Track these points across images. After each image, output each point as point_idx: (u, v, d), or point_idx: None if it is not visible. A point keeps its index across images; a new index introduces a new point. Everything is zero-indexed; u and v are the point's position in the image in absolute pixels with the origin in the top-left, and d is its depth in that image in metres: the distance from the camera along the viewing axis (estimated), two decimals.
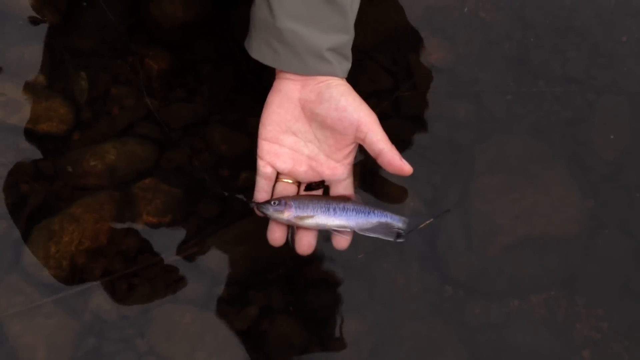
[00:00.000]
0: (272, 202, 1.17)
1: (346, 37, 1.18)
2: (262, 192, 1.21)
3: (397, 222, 1.22)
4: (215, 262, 1.36)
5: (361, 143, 1.18)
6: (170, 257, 1.36)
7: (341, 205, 1.19)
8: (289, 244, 1.21)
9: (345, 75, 1.20)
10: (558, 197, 1.40)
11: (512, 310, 1.37)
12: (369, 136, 1.16)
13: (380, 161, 1.17)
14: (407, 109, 1.46)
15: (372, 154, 1.17)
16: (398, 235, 1.23)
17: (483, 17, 1.55)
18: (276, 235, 1.19)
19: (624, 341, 1.36)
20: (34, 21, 1.47)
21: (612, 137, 1.45)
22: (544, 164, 1.44)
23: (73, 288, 1.33)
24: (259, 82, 1.44)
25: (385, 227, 1.22)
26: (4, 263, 1.34)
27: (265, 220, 1.22)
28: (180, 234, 1.37)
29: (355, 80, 1.23)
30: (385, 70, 1.49)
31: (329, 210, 1.18)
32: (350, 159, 1.21)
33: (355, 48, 1.22)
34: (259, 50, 1.19)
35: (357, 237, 1.23)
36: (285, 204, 1.16)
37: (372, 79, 1.48)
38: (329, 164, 1.20)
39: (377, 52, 1.50)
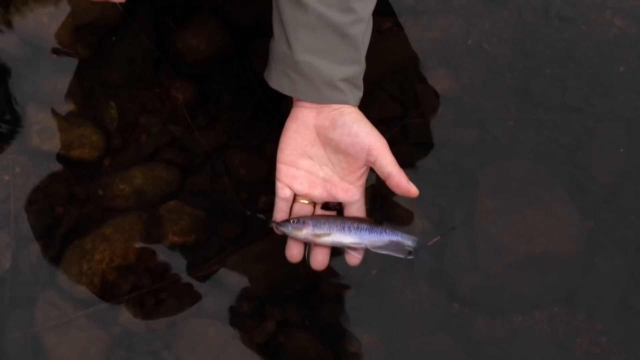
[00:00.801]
0: (291, 221, 1.20)
1: (358, 69, 1.22)
2: (280, 212, 1.24)
3: (407, 240, 1.25)
4: (236, 279, 1.37)
5: (372, 166, 1.21)
6: (194, 274, 1.37)
7: (355, 225, 1.22)
8: (306, 260, 1.24)
9: (357, 103, 1.24)
10: (558, 218, 1.40)
11: (516, 325, 1.38)
12: (379, 160, 1.19)
13: (388, 183, 1.20)
14: (415, 135, 1.48)
15: (381, 176, 1.20)
16: (409, 253, 1.25)
17: (486, 49, 1.55)
18: (294, 252, 1.23)
19: (623, 354, 1.36)
20: (66, 55, 1.49)
21: (621, 151, 1.47)
22: (544, 187, 1.44)
23: (104, 303, 1.34)
24: (276, 110, 1.46)
25: (396, 246, 1.24)
26: (40, 280, 1.36)
27: (282, 241, 1.24)
28: (203, 252, 1.39)
29: (366, 108, 1.26)
30: (395, 99, 1.50)
31: (344, 228, 1.21)
32: (362, 181, 1.24)
33: (367, 79, 1.26)
34: (277, 80, 1.23)
35: (369, 256, 1.26)
36: (304, 222, 1.20)
37: (382, 107, 1.49)
38: (342, 185, 1.24)
39: (387, 82, 1.51)
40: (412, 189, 1.20)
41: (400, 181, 1.19)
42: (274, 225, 1.23)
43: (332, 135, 1.21)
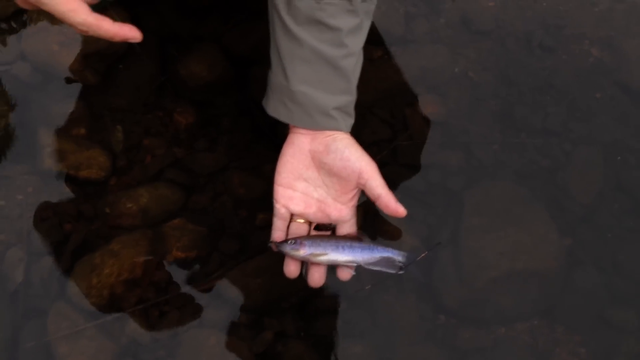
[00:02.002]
0: (289, 242, 1.23)
1: (350, 98, 1.26)
2: (278, 231, 1.27)
3: (397, 256, 1.28)
4: (236, 292, 1.39)
5: (362, 188, 1.25)
6: (196, 288, 1.39)
7: (348, 243, 1.25)
8: (303, 276, 1.26)
9: (349, 130, 1.27)
10: (539, 235, 1.43)
11: (499, 336, 1.39)
12: (369, 182, 1.23)
13: (378, 204, 1.24)
14: (404, 157, 1.51)
15: (371, 198, 1.24)
16: (399, 269, 1.28)
17: (472, 76, 1.60)
18: (291, 269, 1.26)
19: None
20: (76, 81, 1.53)
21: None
22: (526, 206, 1.47)
23: (112, 314, 1.36)
24: (273, 134, 1.48)
25: (387, 261, 1.27)
26: (52, 293, 1.37)
27: (278, 256, 1.26)
28: (204, 267, 1.41)
29: (358, 131, 1.29)
30: (385, 123, 1.54)
31: (338, 248, 1.24)
32: (354, 202, 1.28)
33: (359, 103, 1.28)
34: (274, 108, 1.27)
35: (360, 272, 1.27)
36: (300, 243, 1.22)
37: (373, 130, 1.53)
38: (335, 206, 1.27)
39: (378, 107, 1.55)
40: (400, 210, 1.24)
41: (389, 202, 1.24)
42: (272, 245, 1.26)
43: (326, 160, 1.25)
